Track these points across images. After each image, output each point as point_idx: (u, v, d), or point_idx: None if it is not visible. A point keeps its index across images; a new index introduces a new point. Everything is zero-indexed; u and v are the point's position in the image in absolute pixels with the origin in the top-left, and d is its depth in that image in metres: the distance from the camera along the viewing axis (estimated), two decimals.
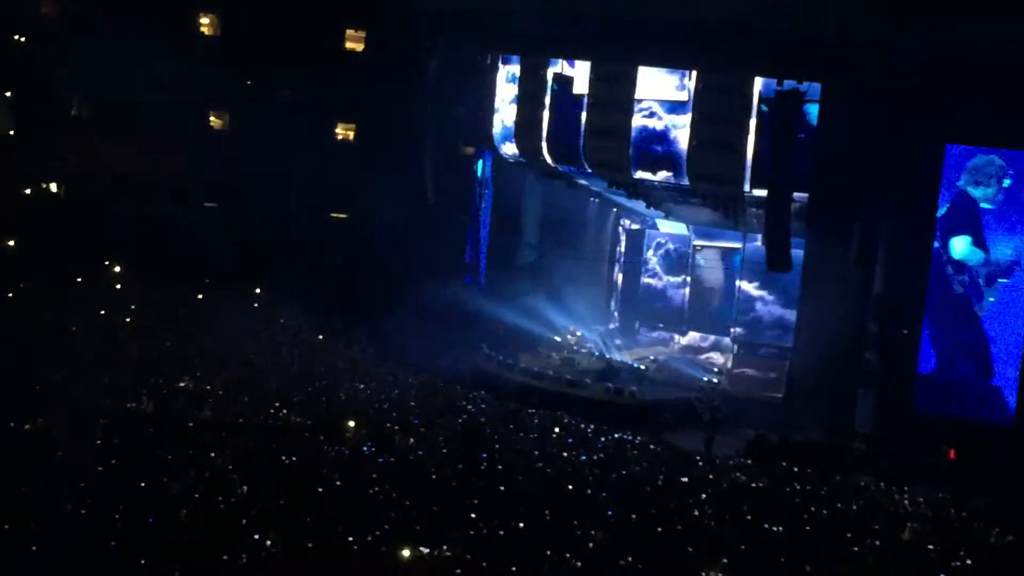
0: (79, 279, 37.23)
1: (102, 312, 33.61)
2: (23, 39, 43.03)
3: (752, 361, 42.53)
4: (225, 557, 15.09)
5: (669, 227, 45.95)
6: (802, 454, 30.31)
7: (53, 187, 43.18)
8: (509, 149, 41.91)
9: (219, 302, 37.91)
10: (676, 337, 44.98)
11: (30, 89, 42.69)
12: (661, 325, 45.68)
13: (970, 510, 25.03)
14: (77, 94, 43.77)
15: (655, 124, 37.81)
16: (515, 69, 40.93)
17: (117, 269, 38.91)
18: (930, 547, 20.53)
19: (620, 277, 47.41)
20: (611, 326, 46.36)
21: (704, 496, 22.80)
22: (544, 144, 39.99)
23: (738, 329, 43.53)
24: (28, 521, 15.46)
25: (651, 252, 46.89)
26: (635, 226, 46.28)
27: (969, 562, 19.65)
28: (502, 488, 20.91)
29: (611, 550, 17.65)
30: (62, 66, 42.97)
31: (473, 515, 18.69)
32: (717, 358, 43.24)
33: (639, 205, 42.38)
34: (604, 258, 47.77)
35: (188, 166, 42.34)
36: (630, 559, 17.22)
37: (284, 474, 19.81)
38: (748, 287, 43.34)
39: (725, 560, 17.64)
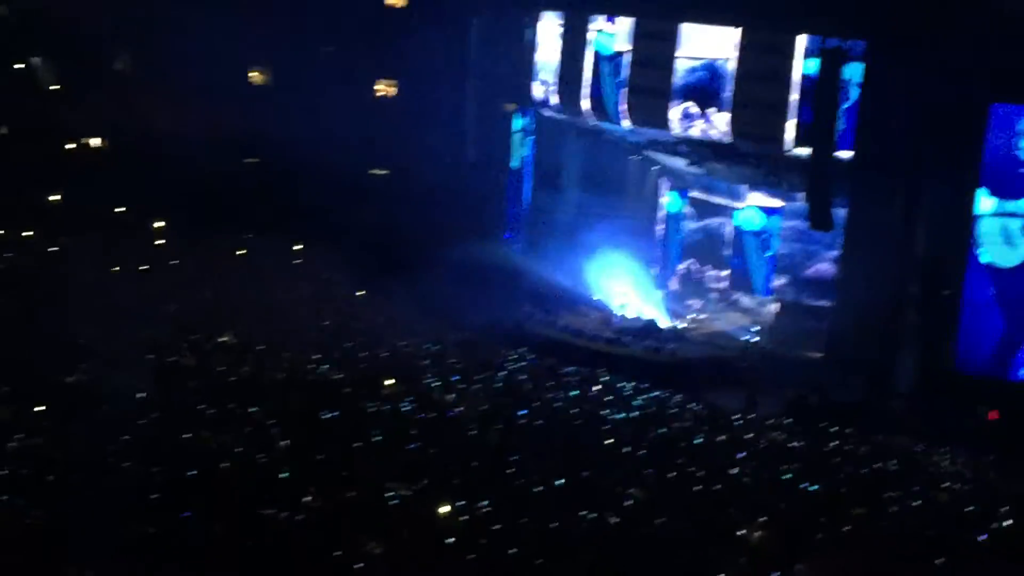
0: (120, 234, 37.37)
1: (143, 267, 33.78)
2: None
3: (793, 319, 42.19)
4: (265, 511, 15.19)
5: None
6: (842, 414, 30.20)
7: (96, 142, 43.32)
8: (550, 107, 41.74)
9: (259, 257, 38.02)
10: (724, 296, 44.67)
11: (73, 44, 42.77)
12: (710, 279, 45.37)
13: (1011, 472, 24.91)
14: (119, 48, 43.83)
15: (697, 81, 37.58)
16: (558, 25, 40.72)
17: (158, 224, 39.01)
18: (969, 508, 20.46)
19: (664, 234, 46.98)
20: (654, 281, 45.96)
21: (743, 455, 22.79)
22: (585, 101, 39.81)
23: (780, 287, 43.17)
24: (69, 474, 15.62)
25: (693, 211, 46.51)
26: (682, 186, 45.86)
27: (1009, 523, 19.56)
28: (540, 445, 20.96)
29: (648, 509, 17.67)
30: (105, 20, 42.99)
31: (511, 472, 18.75)
32: (760, 316, 42.89)
33: (679, 163, 42.15)
34: (646, 215, 47.39)
35: (229, 121, 42.33)
36: (667, 518, 17.23)
37: (324, 430, 19.92)
38: (790, 246, 42.93)
39: (763, 519, 17.62)
